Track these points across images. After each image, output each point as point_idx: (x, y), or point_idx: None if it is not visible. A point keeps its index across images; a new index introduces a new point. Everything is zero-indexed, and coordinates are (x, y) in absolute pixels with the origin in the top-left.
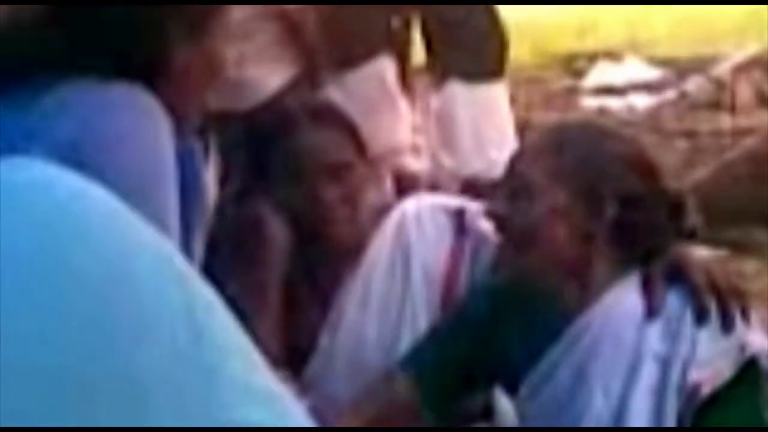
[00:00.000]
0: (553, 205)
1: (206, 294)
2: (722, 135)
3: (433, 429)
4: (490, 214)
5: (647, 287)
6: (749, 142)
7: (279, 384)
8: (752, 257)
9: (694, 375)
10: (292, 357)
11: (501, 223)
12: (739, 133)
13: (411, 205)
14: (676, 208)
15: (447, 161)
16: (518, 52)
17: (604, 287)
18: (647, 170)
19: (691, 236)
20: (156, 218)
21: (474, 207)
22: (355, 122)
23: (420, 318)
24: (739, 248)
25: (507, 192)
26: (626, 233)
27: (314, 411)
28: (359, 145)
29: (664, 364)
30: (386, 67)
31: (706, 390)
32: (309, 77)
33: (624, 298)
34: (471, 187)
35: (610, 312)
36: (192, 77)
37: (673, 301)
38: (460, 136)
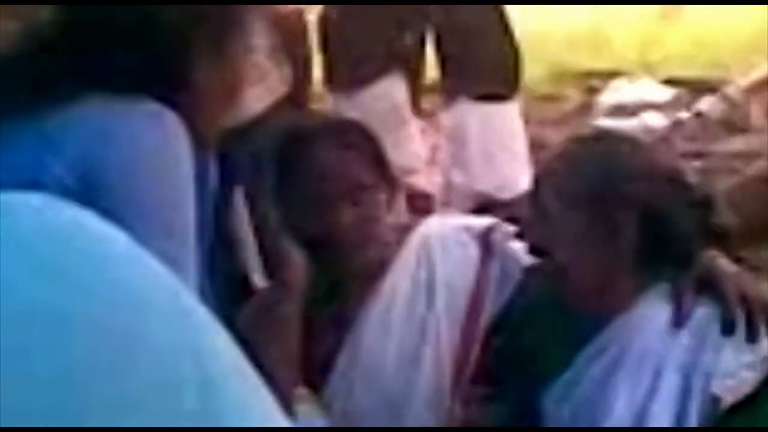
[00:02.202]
0: (572, 232)
1: (214, 333)
2: (735, 156)
3: (433, 429)
4: (519, 237)
5: (676, 297)
6: (762, 163)
7: (279, 413)
8: (765, 278)
9: (717, 385)
10: (311, 376)
11: (529, 247)
12: (751, 154)
13: (435, 225)
14: (704, 209)
15: (458, 179)
16: (531, 69)
17: (633, 297)
18: (669, 177)
19: (723, 237)
20: (174, 236)
21: (501, 227)
22: (378, 139)
23: (443, 341)
24: (752, 269)
25: (529, 217)
26: (654, 245)
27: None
28: (381, 164)
29: (687, 374)
30: (396, 86)
31: (728, 400)
32: (299, 93)
33: (652, 307)
34: (483, 206)
35: (638, 321)
36: (214, 95)
37: (700, 310)
38: (471, 155)
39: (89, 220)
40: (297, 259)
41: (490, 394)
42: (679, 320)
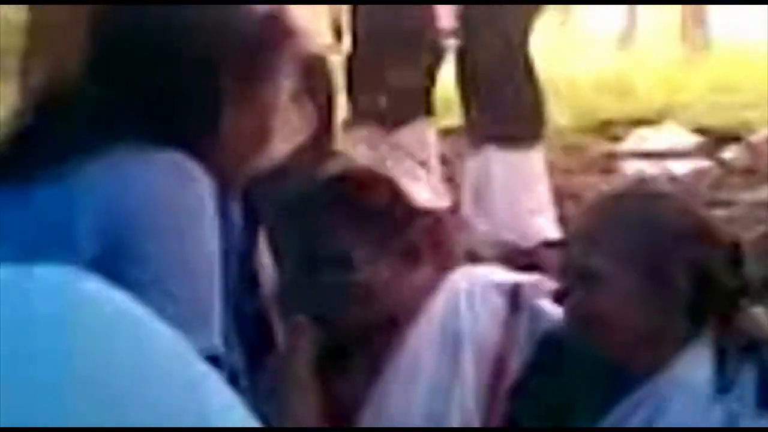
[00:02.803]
0: (624, 290)
1: (222, 396)
2: (760, 205)
3: (428, 429)
4: (557, 299)
5: (720, 359)
6: None
7: None
8: None
9: None
10: (336, 427)
11: (570, 309)
12: None
13: (463, 279)
14: (736, 259)
15: (482, 227)
16: (556, 117)
17: (675, 354)
18: (709, 233)
19: (747, 290)
20: (196, 291)
21: (530, 282)
22: (402, 187)
23: (469, 398)
24: None
25: (573, 278)
26: (699, 300)
27: None
28: (400, 210)
29: None
30: (428, 129)
31: None
32: (319, 140)
33: (693, 367)
34: (508, 255)
35: (678, 379)
36: (242, 141)
37: (742, 376)
38: (495, 202)
39: (107, 296)
40: (302, 322)
41: None
42: (724, 385)
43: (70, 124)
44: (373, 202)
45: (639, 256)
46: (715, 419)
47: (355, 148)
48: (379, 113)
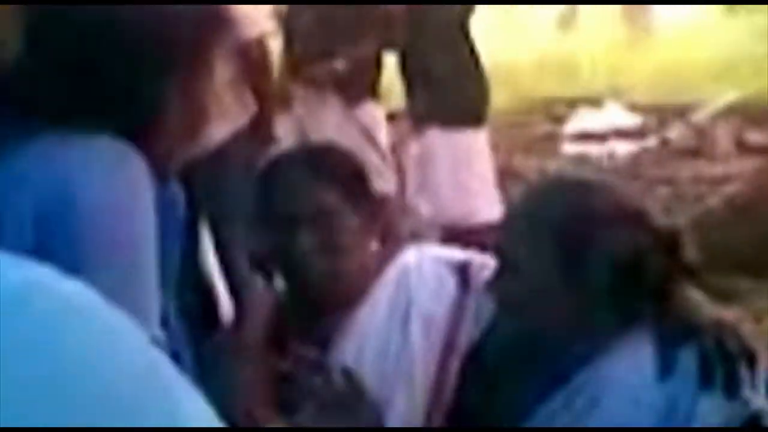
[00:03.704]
0: (542, 280)
1: (191, 401)
2: (702, 182)
3: (428, 429)
4: (488, 286)
5: (660, 341)
6: (729, 189)
7: None
8: (733, 304)
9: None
10: (283, 407)
11: (497, 297)
12: (718, 180)
13: (412, 256)
14: (672, 246)
15: (426, 208)
16: (498, 97)
17: (613, 335)
18: (634, 218)
19: (692, 273)
20: (134, 277)
21: (479, 259)
22: (357, 164)
23: (417, 375)
24: (720, 295)
25: (498, 266)
26: (626, 286)
27: None
28: (356, 190)
29: (666, 419)
30: (374, 112)
31: None
32: (262, 123)
33: (632, 353)
34: (451, 235)
35: (617, 365)
36: (176, 129)
37: (681, 358)
38: (439, 183)
39: (48, 281)
40: (260, 288)
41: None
42: (665, 369)
43: (3, 107)
44: (352, 174)
45: (557, 246)
46: (657, 404)
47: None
48: (336, 80)
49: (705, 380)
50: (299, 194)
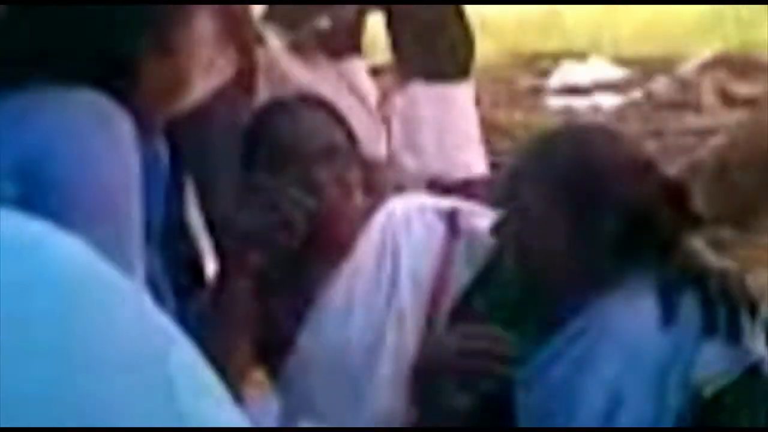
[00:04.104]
0: (552, 226)
1: (178, 343)
2: (688, 135)
3: (431, 429)
4: (494, 230)
5: (663, 290)
6: (714, 141)
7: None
8: (718, 256)
9: (697, 376)
10: (268, 353)
11: (503, 241)
12: (704, 133)
13: (399, 205)
14: (679, 196)
15: (410, 162)
16: (482, 51)
17: (615, 283)
18: (644, 168)
19: (697, 223)
20: (119, 232)
21: (467, 207)
22: (339, 110)
23: (406, 322)
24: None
25: (505, 212)
26: (633, 236)
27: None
28: (349, 133)
29: (667, 366)
30: (358, 68)
31: (707, 391)
32: (244, 81)
33: (635, 296)
34: (437, 189)
35: (620, 307)
36: (159, 89)
37: (683, 306)
38: (424, 137)
39: (35, 230)
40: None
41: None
42: (668, 317)
43: None
44: (346, 124)
45: (566, 193)
46: (658, 352)
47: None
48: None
49: (708, 328)
50: (311, 129)
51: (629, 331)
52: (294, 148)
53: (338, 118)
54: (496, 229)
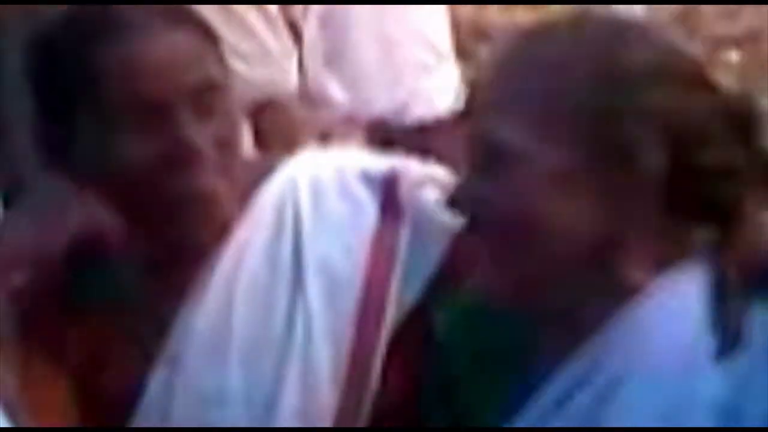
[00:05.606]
0: (550, 176)
1: None
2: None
3: (431, 429)
4: (453, 203)
5: (716, 301)
6: None
7: None
8: None
9: None
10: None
11: (474, 214)
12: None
13: (305, 168)
14: (747, 126)
15: (339, 95)
16: None
17: (649, 278)
18: (692, 79)
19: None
20: None
21: (412, 168)
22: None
23: (316, 343)
24: None
25: (476, 166)
26: (681, 193)
27: None
28: (225, 66)
29: (728, 418)
30: None
31: None
32: None
33: (677, 297)
34: (378, 134)
35: (652, 329)
36: None
37: (757, 321)
38: (359, 55)
39: None
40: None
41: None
42: (725, 345)
43: None
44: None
45: (570, 122)
46: (706, 389)
47: None
48: None
49: None
50: (172, 59)
51: (667, 364)
52: (141, 88)
53: (211, 37)
54: (458, 196)
